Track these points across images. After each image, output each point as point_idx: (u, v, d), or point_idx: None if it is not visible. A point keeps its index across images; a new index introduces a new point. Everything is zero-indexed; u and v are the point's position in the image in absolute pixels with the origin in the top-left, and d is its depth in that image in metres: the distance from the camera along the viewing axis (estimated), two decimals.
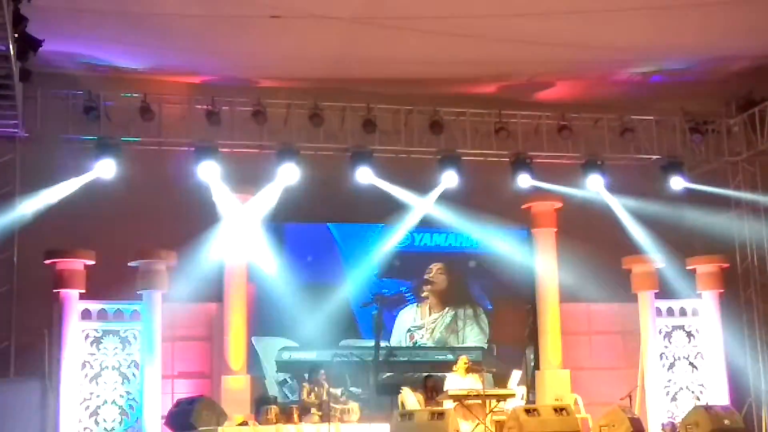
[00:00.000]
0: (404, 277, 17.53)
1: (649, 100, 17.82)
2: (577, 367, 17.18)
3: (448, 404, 13.77)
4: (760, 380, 17.28)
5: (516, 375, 14.69)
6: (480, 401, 13.64)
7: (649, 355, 17.22)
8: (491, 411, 13.68)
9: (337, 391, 14.87)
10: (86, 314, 15.49)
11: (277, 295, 16.55)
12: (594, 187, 17.21)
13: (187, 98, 16.02)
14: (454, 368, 14.91)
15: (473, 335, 17.65)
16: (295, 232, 17.25)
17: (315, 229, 17.33)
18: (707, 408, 14.89)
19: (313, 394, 14.36)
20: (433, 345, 17.43)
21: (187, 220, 16.07)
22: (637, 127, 17.34)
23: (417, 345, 17.38)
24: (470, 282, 17.84)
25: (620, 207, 17.47)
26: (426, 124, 16.56)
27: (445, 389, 14.36)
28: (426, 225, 17.28)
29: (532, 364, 17.17)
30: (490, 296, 17.81)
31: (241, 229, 16.25)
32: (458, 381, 14.49)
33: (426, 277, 17.57)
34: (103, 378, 15.46)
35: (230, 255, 16.13)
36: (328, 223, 17.32)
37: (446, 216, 17.04)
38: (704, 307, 17.66)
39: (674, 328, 17.74)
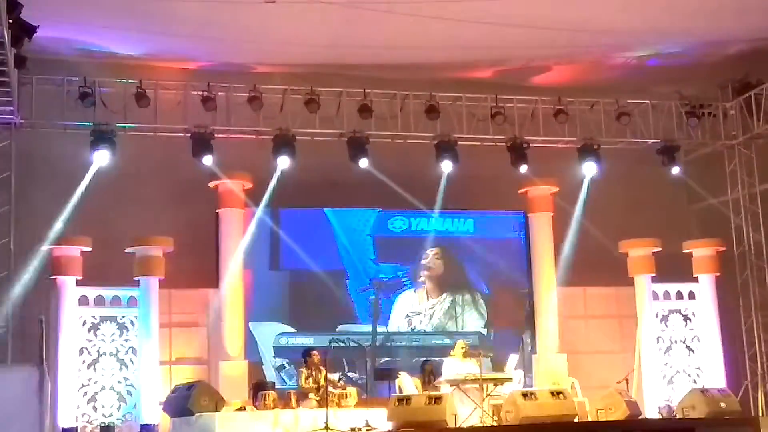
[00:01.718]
0: (401, 261, 17.53)
1: (645, 84, 17.81)
2: (574, 351, 17.20)
3: (445, 389, 13.79)
4: (756, 363, 17.32)
5: (513, 359, 14.69)
6: (477, 385, 13.66)
7: (646, 339, 17.26)
8: (488, 395, 13.70)
9: (335, 376, 14.85)
10: (83, 300, 15.51)
11: (274, 281, 16.60)
12: (590, 171, 17.20)
13: (182, 84, 15.98)
14: (452, 353, 14.90)
15: (472, 320, 17.67)
16: (291, 217, 17.23)
17: (311, 214, 17.31)
18: (703, 391, 14.91)
19: (311, 379, 14.34)
20: (432, 330, 17.45)
21: (184, 206, 16.08)
22: (633, 111, 17.32)
23: (415, 330, 17.41)
24: (467, 267, 17.84)
25: (617, 191, 17.45)
26: (422, 110, 16.53)
27: (442, 374, 14.37)
28: (423, 209, 17.29)
29: (530, 348, 17.17)
30: (487, 281, 17.84)
31: (237, 215, 16.27)
32: (456, 365, 14.50)
33: (423, 262, 17.58)
34: (101, 364, 15.48)
35: (227, 240, 16.14)
36: (324, 209, 17.30)
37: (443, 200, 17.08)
38: (701, 290, 17.69)
39: (671, 311, 17.76)
